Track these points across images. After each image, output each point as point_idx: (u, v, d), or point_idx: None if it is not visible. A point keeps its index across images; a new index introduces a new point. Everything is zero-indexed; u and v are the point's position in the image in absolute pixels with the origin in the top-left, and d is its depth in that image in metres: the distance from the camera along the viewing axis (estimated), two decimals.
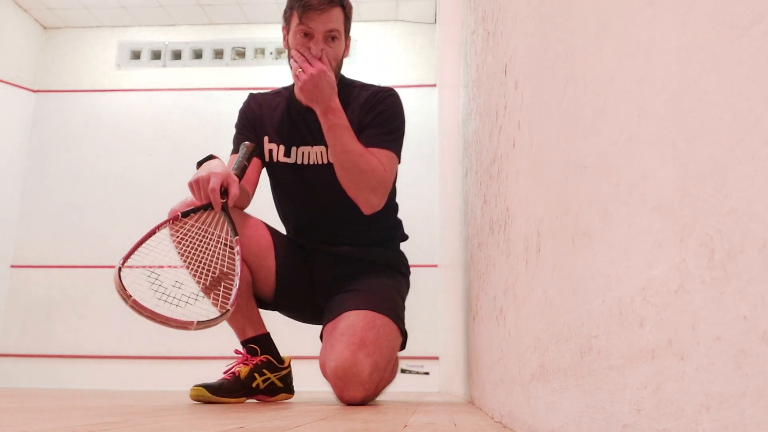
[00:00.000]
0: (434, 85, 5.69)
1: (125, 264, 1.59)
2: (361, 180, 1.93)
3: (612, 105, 0.50)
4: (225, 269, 1.77)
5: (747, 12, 0.30)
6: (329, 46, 1.97)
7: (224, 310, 1.65)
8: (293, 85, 2.09)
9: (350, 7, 2.05)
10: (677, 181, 0.38)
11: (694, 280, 0.35)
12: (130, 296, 1.51)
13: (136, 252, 1.65)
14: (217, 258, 1.78)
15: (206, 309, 1.67)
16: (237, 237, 1.80)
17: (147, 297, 1.55)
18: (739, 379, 0.30)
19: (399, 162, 2.03)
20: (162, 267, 1.70)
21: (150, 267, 1.65)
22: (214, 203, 1.80)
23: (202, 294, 1.76)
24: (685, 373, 0.36)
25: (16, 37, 5.97)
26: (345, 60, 2.08)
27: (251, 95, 2.21)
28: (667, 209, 0.39)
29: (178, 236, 1.80)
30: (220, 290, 1.73)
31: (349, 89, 2.07)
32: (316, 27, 1.95)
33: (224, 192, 1.81)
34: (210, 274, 1.77)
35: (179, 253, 1.84)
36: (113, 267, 1.55)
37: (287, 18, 2.03)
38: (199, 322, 1.59)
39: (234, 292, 1.68)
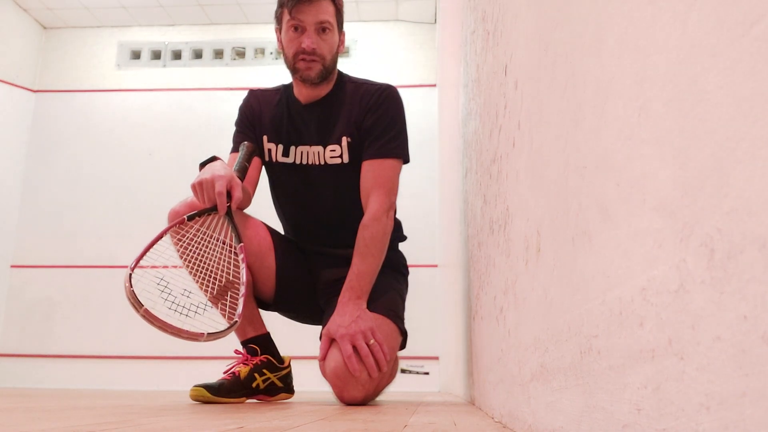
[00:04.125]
0: (434, 85, 5.69)
1: (134, 271, 1.58)
2: (385, 246, 1.96)
3: (612, 105, 0.50)
4: (231, 277, 1.77)
5: (747, 12, 0.30)
6: (322, 39, 1.98)
7: (232, 322, 1.66)
8: (291, 83, 2.09)
9: (340, 1, 2.06)
10: (677, 181, 0.38)
11: (694, 280, 0.35)
12: (142, 305, 1.51)
13: (144, 258, 1.65)
14: (223, 265, 1.78)
15: (215, 320, 1.67)
16: (241, 244, 1.80)
17: (157, 306, 1.55)
18: (739, 379, 0.30)
19: (408, 160, 2.04)
20: (170, 267, 1.70)
21: (158, 270, 1.65)
22: (219, 207, 1.79)
23: (210, 303, 1.76)
24: (685, 373, 0.36)
25: (16, 37, 5.97)
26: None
27: (251, 91, 2.21)
28: (667, 209, 0.39)
29: (183, 242, 1.79)
30: (227, 300, 1.73)
31: (344, 86, 2.07)
32: (307, 19, 1.95)
33: (228, 195, 1.81)
34: (217, 282, 1.77)
35: (184, 260, 1.84)
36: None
37: (279, 17, 2.03)
38: (209, 334, 1.59)
39: (240, 302, 1.68)
